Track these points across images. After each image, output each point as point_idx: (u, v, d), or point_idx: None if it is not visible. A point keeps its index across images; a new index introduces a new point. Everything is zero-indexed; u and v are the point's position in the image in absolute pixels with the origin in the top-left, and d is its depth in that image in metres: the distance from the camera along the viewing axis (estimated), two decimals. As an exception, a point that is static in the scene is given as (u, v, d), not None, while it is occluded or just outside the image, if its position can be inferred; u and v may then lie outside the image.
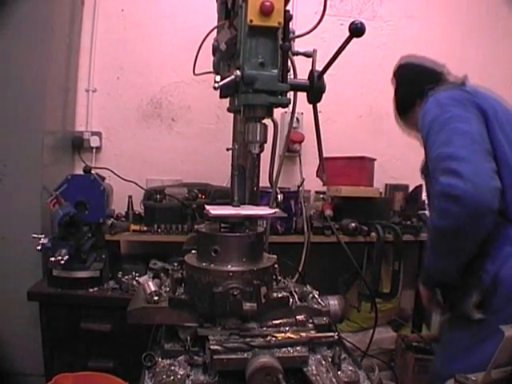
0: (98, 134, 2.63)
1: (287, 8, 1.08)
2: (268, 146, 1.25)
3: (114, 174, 2.37)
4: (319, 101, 1.25)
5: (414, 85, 1.64)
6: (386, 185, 2.86)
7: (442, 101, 1.38)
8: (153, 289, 1.13)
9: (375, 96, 2.95)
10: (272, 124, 1.29)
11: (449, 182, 1.19)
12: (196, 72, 1.56)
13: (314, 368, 1.02)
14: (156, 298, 1.11)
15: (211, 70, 1.41)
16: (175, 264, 1.31)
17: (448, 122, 1.30)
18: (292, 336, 1.05)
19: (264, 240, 1.38)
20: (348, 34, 1.05)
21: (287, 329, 1.09)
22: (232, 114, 1.40)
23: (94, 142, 2.59)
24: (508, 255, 1.28)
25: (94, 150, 2.63)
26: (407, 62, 1.75)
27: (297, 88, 1.23)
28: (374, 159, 2.70)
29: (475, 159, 1.21)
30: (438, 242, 1.32)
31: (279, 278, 1.25)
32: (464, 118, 1.30)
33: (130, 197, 2.43)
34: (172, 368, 1.02)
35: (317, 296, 1.20)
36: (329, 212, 2.42)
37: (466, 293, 1.31)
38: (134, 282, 1.93)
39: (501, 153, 1.31)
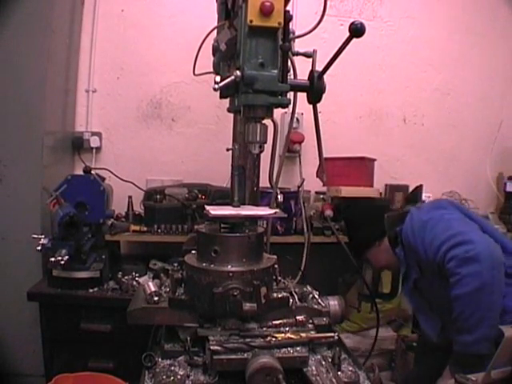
0: (98, 134, 2.63)
1: (287, 8, 1.08)
2: (268, 147, 1.25)
3: (113, 174, 2.37)
4: (319, 101, 1.25)
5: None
6: (386, 185, 2.86)
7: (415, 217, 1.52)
8: (153, 289, 1.13)
9: (375, 96, 2.95)
10: (272, 124, 1.29)
11: (463, 249, 1.29)
12: (196, 72, 1.56)
13: (313, 368, 1.02)
14: (156, 298, 1.11)
15: (211, 70, 1.41)
16: (175, 264, 1.32)
17: (436, 220, 1.44)
18: (292, 336, 1.05)
19: (265, 240, 1.38)
20: (348, 34, 1.05)
21: (287, 329, 1.09)
22: (232, 115, 1.40)
23: (94, 142, 2.59)
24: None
25: (94, 151, 2.63)
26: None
27: (297, 88, 1.23)
28: (374, 159, 2.70)
29: (476, 232, 1.37)
30: (469, 309, 1.30)
31: (279, 278, 1.25)
32: (447, 214, 1.47)
33: (129, 197, 2.43)
34: (172, 368, 1.02)
35: (317, 296, 1.20)
36: (329, 212, 2.42)
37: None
38: (134, 283, 1.93)
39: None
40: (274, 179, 1.43)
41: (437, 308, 1.60)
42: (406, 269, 1.62)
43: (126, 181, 2.38)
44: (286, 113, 2.55)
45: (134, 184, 2.40)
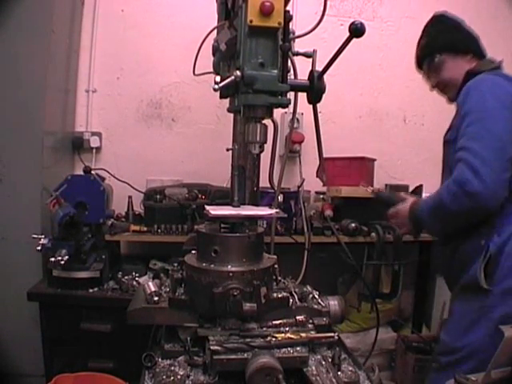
0: (98, 134, 2.63)
1: (287, 8, 1.08)
2: (268, 147, 1.25)
3: (110, 174, 2.37)
4: (319, 101, 1.25)
5: (455, 34, 1.68)
6: (386, 185, 2.86)
7: (485, 93, 1.41)
8: (153, 289, 1.13)
9: (375, 96, 2.95)
10: (272, 124, 1.29)
11: (467, 176, 1.29)
12: (196, 72, 1.57)
13: (313, 368, 1.02)
14: (156, 298, 1.11)
15: (211, 70, 1.40)
16: (175, 264, 1.31)
17: (484, 119, 1.36)
18: (292, 336, 1.05)
19: (269, 241, 1.39)
20: (348, 34, 1.05)
21: (287, 329, 1.09)
22: (232, 115, 1.40)
23: (94, 142, 2.59)
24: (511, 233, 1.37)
25: (94, 151, 2.63)
26: (446, 16, 1.77)
27: (297, 88, 1.23)
28: (374, 159, 2.70)
29: (496, 166, 1.30)
30: (437, 211, 1.41)
31: (279, 278, 1.25)
32: (500, 119, 1.35)
33: (129, 197, 2.43)
34: (172, 368, 1.02)
35: (317, 296, 1.20)
36: (329, 212, 2.42)
37: (473, 259, 1.39)
38: (134, 283, 1.93)
39: None
40: (278, 180, 1.43)
41: None
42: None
43: (122, 181, 2.38)
44: (286, 113, 2.55)
45: (129, 185, 2.40)
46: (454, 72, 1.61)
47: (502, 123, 1.35)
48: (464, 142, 1.37)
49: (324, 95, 1.22)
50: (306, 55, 1.25)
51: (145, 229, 2.27)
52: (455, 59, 1.63)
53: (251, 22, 1.02)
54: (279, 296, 1.13)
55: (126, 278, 1.97)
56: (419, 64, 1.82)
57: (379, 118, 2.96)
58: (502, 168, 1.31)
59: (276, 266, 1.22)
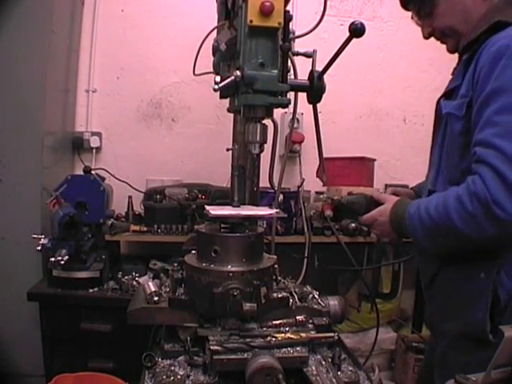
0: (98, 134, 2.63)
1: (287, 8, 1.08)
2: (268, 147, 1.25)
3: (110, 174, 2.37)
4: (319, 101, 1.25)
5: None
6: (386, 185, 2.86)
7: None
8: (153, 289, 1.13)
9: (375, 96, 2.95)
10: (272, 124, 1.29)
11: (496, 194, 0.93)
12: (196, 72, 1.57)
13: (313, 368, 1.02)
14: (156, 298, 1.11)
15: (211, 70, 1.41)
16: (175, 264, 1.31)
17: None
18: (292, 336, 1.05)
19: (269, 241, 1.38)
20: (348, 34, 1.05)
21: (287, 329, 1.09)
22: (232, 115, 1.40)
23: (94, 142, 2.59)
24: None
25: (94, 151, 2.63)
26: None
27: (297, 88, 1.23)
28: (374, 159, 2.70)
29: None
30: (441, 232, 1.06)
31: (279, 278, 1.25)
32: None
33: (129, 197, 2.43)
34: (172, 368, 1.02)
35: (317, 296, 1.20)
36: (329, 212, 2.42)
37: (470, 300, 1.08)
38: (134, 283, 1.93)
39: None
40: (277, 180, 1.43)
41: None
42: None
43: (121, 181, 2.38)
44: (286, 113, 2.55)
45: (129, 185, 2.39)
46: (453, 16, 1.19)
47: None
48: (489, 135, 0.98)
49: (324, 95, 1.22)
50: (306, 55, 1.25)
51: (145, 229, 2.27)
52: None
53: (251, 22, 1.02)
54: (279, 296, 1.13)
55: (125, 278, 1.97)
56: (404, 6, 1.34)
57: (379, 118, 2.96)
58: None
59: (276, 266, 1.22)
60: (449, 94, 1.18)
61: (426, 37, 1.29)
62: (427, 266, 1.22)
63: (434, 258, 1.18)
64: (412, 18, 1.31)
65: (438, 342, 1.22)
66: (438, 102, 1.23)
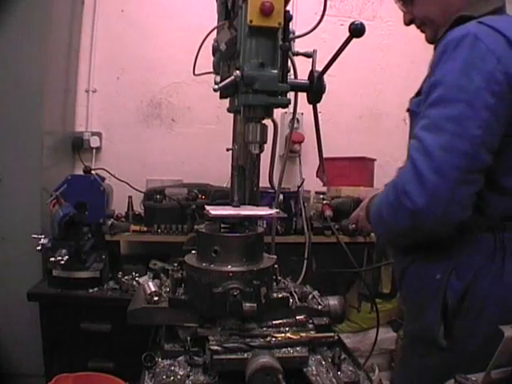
0: (98, 134, 2.63)
1: (287, 8, 1.08)
2: (268, 147, 1.25)
3: (110, 174, 2.37)
4: (319, 101, 1.25)
5: None
6: (386, 185, 2.86)
7: (469, 62, 0.94)
8: (153, 289, 1.13)
9: (375, 96, 2.95)
10: (272, 124, 1.29)
11: (409, 185, 0.93)
12: (196, 72, 1.56)
13: (313, 368, 1.02)
14: (156, 298, 1.11)
15: (211, 70, 1.40)
16: (175, 264, 1.31)
17: (456, 104, 0.93)
18: (292, 336, 1.05)
19: (269, 241, 1.38)
20: (348, 34, 1.05)
21: (287, 329, 1.09)
22: (232, 115, 1.40)
23: (94, 142, 2.59)
24: (476, 270, 1.00)
25: (94, 151, 2.63)
26: None
27: (297, 88, 1.23)
28: (374, 159, 2.70)
29: (454, 177, 0.91)
30: (377, 221, 1.08)
31: (279, 278, 1.25)
32: (480, 111, 0.92)
33: (130, 197, 2.43)
34: (172, 368, 1.02)
35: (317, 296, 1.20)
36: (329, 212, 2.42)
37: (425, 301, 1.06)
38: (134, 283, 1.93)
39: None
40: (277, 180, 1.43)
41: None
42: None
43: (121, 181, 2.38)
44: (286, 113, 2.55)
45: (129, 185, 2.39)
46: (432, 6, 1.16)
47: (482, 117, 0.91)
48: (419, 127, 0.97)
49: (324, 95, 1.22)
50: (306, 55, 1.25)
51: (145, 229, 2.27)
52: None
53: (251, 22, 1.02)
54: (279, 296, 1.13)
55: (125, 278, 1.97)
56: None
57: (379, 118, 2.96)
58: (463, 180, 0.91)
59: (276, 266, 1.22)
60: (418, 92, 1.17)
61: (407, 23, 1.26)
62: (397, 264, 1.22)
63: (402, 257, 1.17)
64: (396, 2, 1.27)
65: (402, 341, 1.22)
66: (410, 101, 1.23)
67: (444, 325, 1.01)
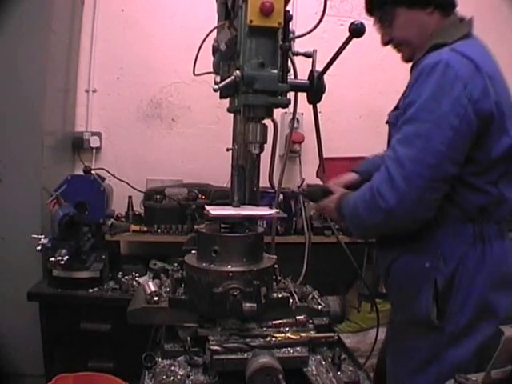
0: (98, 134, 2.63)
1: (287, 8, 1.08)
2: (268, 147, 1.25)
3: (110, 174, 2.37)
4: (319, 101, 1.25)
5: None
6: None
7: (440, 88, 1.09)
8: (153, 289, 1.13)
9: (375, 96, 2.94)
10: (272, 124, 1.29)
11: (383, 188, 1.09)
12: (196, 72, 1.56)
13: (313, 368, 1.02)
14: (156, 298, 1.12)
15: (211, 70, 1.40)
16: (175, 264, 1.31)
17: (426, 123, 1.08)
18: (292, 336, 1.05)
19: (270, 241, 1.38)
20: (348, 34, 1.05)
21: (287, 329, 1.09)
22: (232, 115, 1.40)
23: (94, 142, 2.59)
24: (462, 257, 1.14)
25: (94, 151, 2.63)
26: None
27: (297, 88, 1.23)
28: (374, 159, 2.70)
29: (421, 185, 1.07)
30: (353, 218, 1.21)
31: (279, 278, 1.25)
32: (446, 131, 1.07)
33: (130, 197, 2.43)
34: (172, 368, 1.02)
35: (317, 296, 1.21)
36: (329, 212, 2.42)
37: (417, 287, 1.17)
38: (134, 283, 1.93)
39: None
40: (277, 180, 1.43)
41: None
42: None
43: (121, 180, 2.38)
44: (286, 113, 2.55)
45: (129, 185, 2.39)
46: (410, 30, 1.27)
47: (446, 136, 1.06)
48: (395, 139, 1.14)
49: (324, 95, 1.22)
50: (306, 55, 1.25)
51: (145, 229, 2.27)
52: (411, 13, 1.25)
53: (251, 22, 1.03)
54: (279, 296, 1.13)
55: (125, 277, 1.97)
56: (369, 11, 1.37)
57: (379, 118, 2.94)
58: (428, 187, 1.07)
59: (276, 266, 1.22)
60: (396, 107, 1.32)
61: (384, 44, 1.37)
62: (382, 259, 1.32)
63: (388, 250, 1.27)
64: (374, 24, 1.37)
65: (391, 330, 1.36)
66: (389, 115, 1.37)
67: (436, 306, 1.14)
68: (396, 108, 1.31)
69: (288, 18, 1.08)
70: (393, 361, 1.29)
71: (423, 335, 1.17)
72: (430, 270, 1.15)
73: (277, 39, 1.08)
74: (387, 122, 1.35)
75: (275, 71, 1.08)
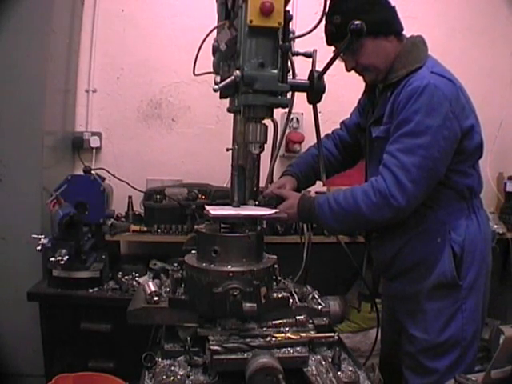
0: (98, 134, 2.63)
1: (287, 8, 1.08)
2: (268, 146, 1.25)
3: (110, 174, 2.37)
4: (319, 101, 1.26)
5: (374, 14, 1.38)
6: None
7: (430, 106, 1.31)
8: (153, 289, 1.13)
9: (375, 96, 2.94)
10: (272, 124, 1.29)
11: (393, 190, 1.30)
12: (196, 72, 1.56)
13: (313, 368, 1.02)
14: (156, 298, 1.12)
15: (211, 70, 1.41)
16: (175, 264, 1.31)
17: (423, 135, 1.30)
18: (292, 336, 1.05)
19: (267, 240, 1.38)
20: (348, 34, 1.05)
21: (287, 329, 1.09)
22: (232, 115, 1.40)
23: (94, 142, 2.59)
24: (465, 227, 1.44)
25: (94, 151, 2.63)
26: None
27: (297, 88, 1.23)
28: (374, 159, 2.70)
29: (424, 186, 1.33)
30: (350, 217, 1.38)
31: (279, 278, 1.25)
32: (439, 139, 1.31)
33: (129, 197, 2.43)
34: (172, 368, 1.02)
35: (317, 296, 1.20)
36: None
37: (435, 258, 1.42)
38: (134, 283, 1.93)
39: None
40: (271, 179, 1.43)
41: None
42: None
43: (121, 180, 2.38)
44: (286, 113, 2.55)
45: (129, 185, 2.39)
46: (376, 56, 1.42)
47: (441, 145, 1.31)
48: (394, 149, 1.34)
49: (324, 95, 1.22)
50: (306, 55, 1.26)
51: (145, 229, 2.27)
52: (376, 41, 1.40)
53: (251, 22, 1.03)
54: (279, 296, 1.13)
55: (125, 277, 1.97)
56: (330, 42, 1.47)
57: (379, 118, 2.96)
58: (428, 186, 1.34)
59: (276, 266, 1.22)
60: (376, 122, 1.48)
61: (349, 70, 1.53)
62: (386, 248, 1.53)
63: (395, 239, 1.48)
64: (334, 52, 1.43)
65: (405, 303, 1.52)
66: (368, 128, 1.53)
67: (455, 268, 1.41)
68: (376, 122, 1.48)
69: (288, 17, 1.08)
70: (415, 329, 1.46)
71: (445, 296, 1.42)
72: (444, 242, 1.41)
73: (277, 39, 1.08)
74: (376, 137, 1.48)
75: (275, 71, 1.08)
